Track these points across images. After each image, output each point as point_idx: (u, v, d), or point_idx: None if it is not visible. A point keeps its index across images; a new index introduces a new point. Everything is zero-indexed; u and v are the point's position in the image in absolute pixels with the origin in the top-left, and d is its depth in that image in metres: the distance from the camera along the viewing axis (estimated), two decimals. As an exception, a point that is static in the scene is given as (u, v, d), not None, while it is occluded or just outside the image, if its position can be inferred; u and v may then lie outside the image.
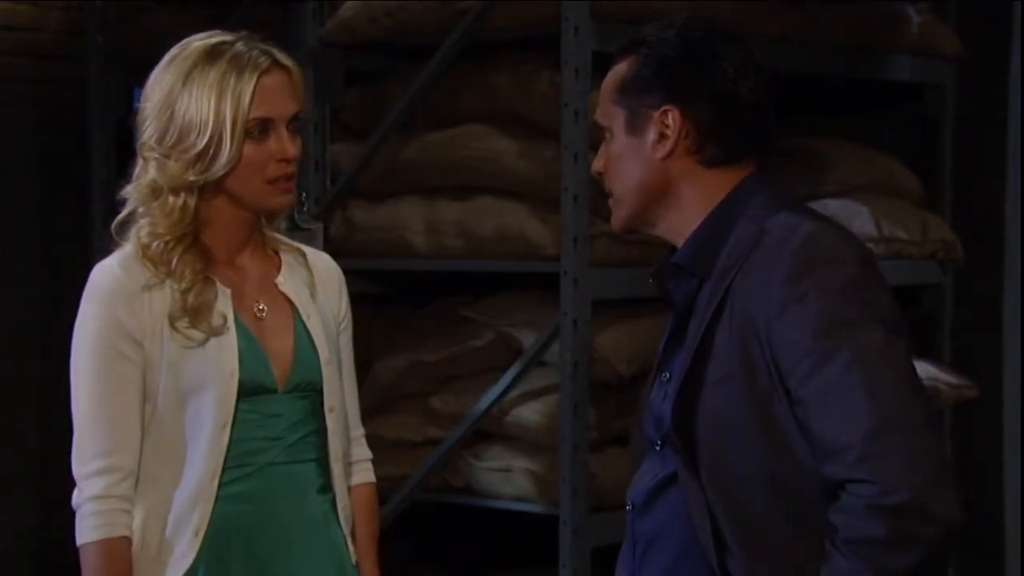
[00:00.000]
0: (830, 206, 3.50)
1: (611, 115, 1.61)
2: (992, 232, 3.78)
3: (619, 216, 1.65)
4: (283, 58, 1.74)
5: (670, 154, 1.58)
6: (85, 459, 1.71)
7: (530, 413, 3.01)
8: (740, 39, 1.61)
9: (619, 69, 1.61)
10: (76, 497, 1.73)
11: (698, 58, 1.56)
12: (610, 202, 1.65)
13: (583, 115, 2.85)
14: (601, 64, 2.92)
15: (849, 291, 1.50)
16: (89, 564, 1.71)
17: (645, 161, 1.58)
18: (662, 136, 1.57)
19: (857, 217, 3.52)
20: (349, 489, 1.83)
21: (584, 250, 2.86)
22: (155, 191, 1.72)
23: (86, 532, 1.71)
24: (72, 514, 1.75)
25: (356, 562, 1.82)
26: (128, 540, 1.70)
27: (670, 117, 1.56)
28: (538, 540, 3.12)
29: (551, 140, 2.95)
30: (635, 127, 1.59)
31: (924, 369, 3.60)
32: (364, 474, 1.89)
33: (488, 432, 3.07)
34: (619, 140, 1.61)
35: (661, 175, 1.59)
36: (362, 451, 1.90)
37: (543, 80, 2.99)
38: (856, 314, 1.49)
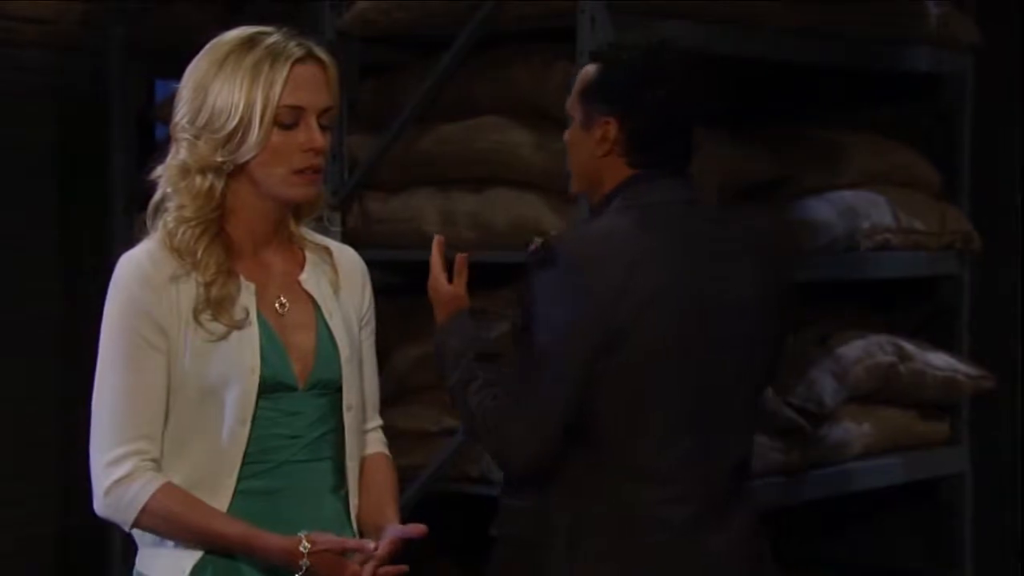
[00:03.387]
0: (847, 197, 3.50)
1: (574, 109, 2.02)
2: (1010, 223, 3.77)
3: (572, 186, 2.10)
4: (319, 51, 1.75)
5: (606, 154, 1.98)
6: (109, 446, 1.68)
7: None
8: (692, 66, 2.00)
9: (588, 71, 2.01)
10: (99, 485, 1.69)
11: (644, 82, 1.95)
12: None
13: (599, 107, 2.85)
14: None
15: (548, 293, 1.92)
16: (159, 518, 1.67)
17: (588, 153, 1.99)
18: (603, 138, 1.97)
19: (874, 208, 3.52)
20: (361, 471, 1.82)
21: (600, 241, 2.86)
22: (184, 171, 1.72)
23: (132, 503, 1.67)
24: (90, 504, 1.73)
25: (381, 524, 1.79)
26: (174, 485, 1.68)
27: (610, 127, 1.97)
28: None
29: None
30: (587, 125, 1.99)
31: (943, 359, 3.60)
32: (380, 447, 1.88)
33: (504, 423, 3.07)
34: (575, 130, 2.02)
35: (597, 167, 1.99)
36: (377, 442, 1.90)
37: (558, 72, 2.99)
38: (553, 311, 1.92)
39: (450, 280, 2.04)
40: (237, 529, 1.68)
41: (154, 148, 1.76)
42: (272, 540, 1.68)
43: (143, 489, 1.67)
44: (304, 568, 1.66)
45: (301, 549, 1.66)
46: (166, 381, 1.69)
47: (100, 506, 1.71)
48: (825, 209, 3.43)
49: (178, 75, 1.77)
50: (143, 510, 1.68)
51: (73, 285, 3.93)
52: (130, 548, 1.79)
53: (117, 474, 1.68)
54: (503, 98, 3.09)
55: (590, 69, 2.01)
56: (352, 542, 1.71)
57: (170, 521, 1.68)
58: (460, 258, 2.04)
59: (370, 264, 1.91)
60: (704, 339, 1.91)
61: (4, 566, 3.88)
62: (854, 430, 3.46)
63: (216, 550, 1.70)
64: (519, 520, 1.96)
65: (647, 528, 1.88)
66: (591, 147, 1.98)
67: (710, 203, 2.16)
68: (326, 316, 1.78)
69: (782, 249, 2.06)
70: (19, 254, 3.95)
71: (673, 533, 1.88)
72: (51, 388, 3.99)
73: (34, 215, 3.98)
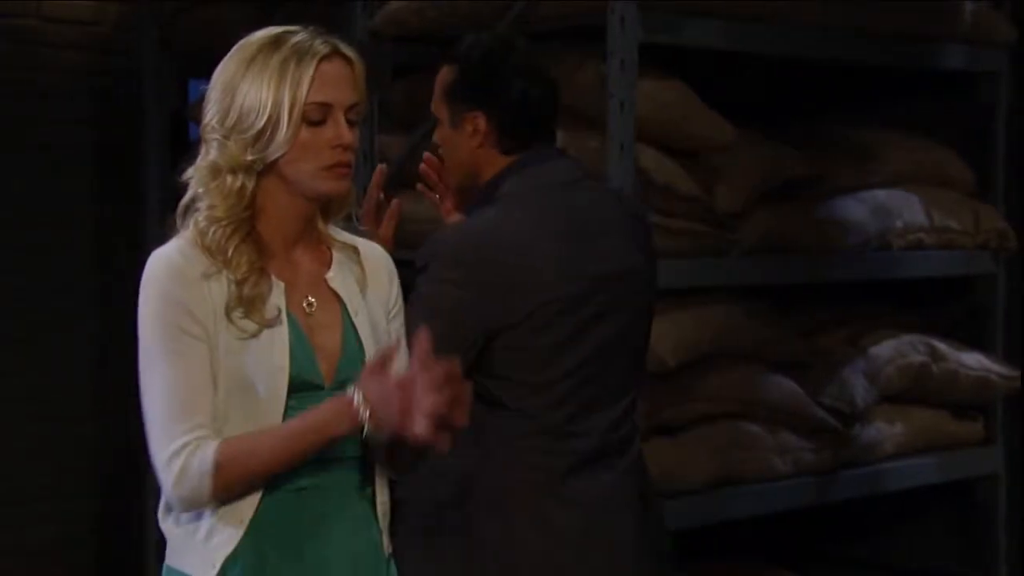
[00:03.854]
0: (880, 196, 3.48)
1: (440, 110, 2.17)
2: (1045, 221, 3.74)
3: (451, 182, 2.22)
4: (345, 49, 1.75)
5: (480, 145, 2.14)
6: (167, 441, 1.67)
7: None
8: (530, 54, 2.18)
9: (444, 74, 2.17)
10: (167, 481, 1.67)
11: (502, 73, 2.13)
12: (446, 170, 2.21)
13: (629, 106, 2.85)
14: (647, 55, 2.94)
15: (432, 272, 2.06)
16: (233, 466, 1.67)
17: (463, 148, 2.15)
18: (474, 131, 2.14)
19: (908, 207, 3.50)
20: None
21: (630, 241, 2.86)
22: (214, 172, 1.73)
23: (201, 473, 1.66)
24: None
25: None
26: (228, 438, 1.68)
27: (479, 120, 2.13)
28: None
29: (596, 131, 2.95)
30: (456, 123, 2.15)
31: (975, 359, 3.57)
32: None
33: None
34: (445, 130, 2.17)
35: (473, 160, 2.15)
36: None
37: (589, 71, 2.99)
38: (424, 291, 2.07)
39: None
40: (298, 424, 1.67)
41: (188, 148, 1.78)
42: (326, 409, 1.67)
43: (204, 455, 1.66)
44: (366, 417, 1.64)
45: (354, 399, 1.64)
46: (211, 368, 1.69)
47: (174, 498, 1.69)
48: (858, 208, 3.42)
49: (211, 76, 1.78)
50: (215, 470, 1.66)
51: (108, 284, 3.97)
52: (164, 543, 1.80)
53: (179, 463, 1.67)
54: (533, 98, 3.09)
55: (447, 70, 2.17)
56: (385, 349, 1.69)
57: (243, 463, 1.67)
58: (395, 203, 2.21)
59: (400, 264, 1.92)
60: (593, 308, 2.11)
61: (43, 560, 3.93)
62: (886, 430, 3.44)
63: (297, 463, 1.67)
64: (428, 481, 2.06)
65: (548, 473, 2.10)
66: (465, 142, 2.14)
67: (597, 182, 2.35)
68: (352, 315, 1.78)
69: (648, 224, 2.30)
70: (55, 254, 3.99)
71: (570, 475, 2.10)
72: (87, 386, 4.04)
73: (70, 214, 4.02)
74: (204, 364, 1.69)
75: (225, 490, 1.69)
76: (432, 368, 1.62)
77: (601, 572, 2.13)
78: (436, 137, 2.19)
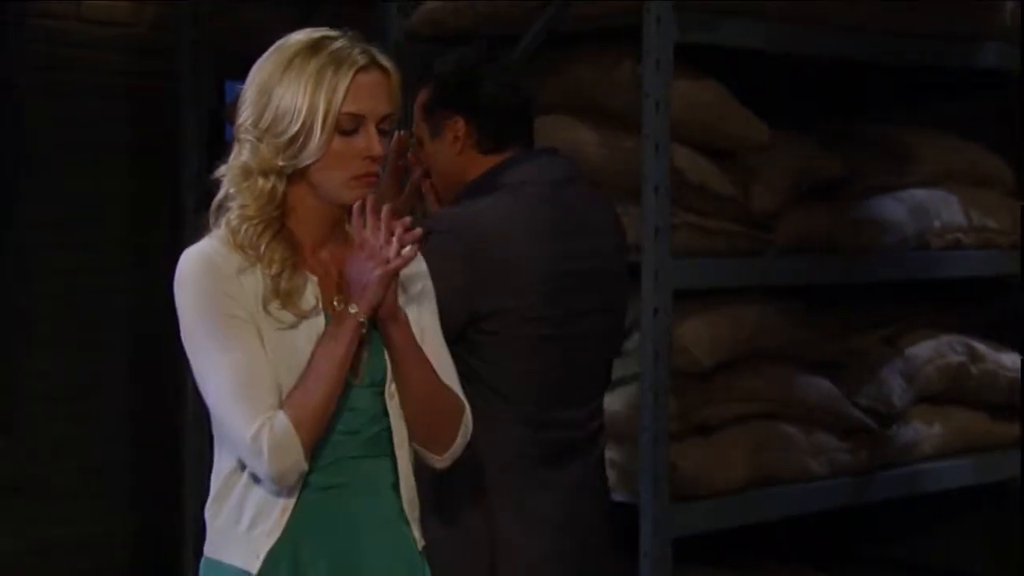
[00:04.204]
0: (918, 196, 3.46)
1: (420, 130, 2.27)
2: (1085, 221, 3.69)
3: (444, 195, 2.28)
4: (383, 59, 1.76)
5: (461, 150, 2.23)
6: (245, 427, 1.68)
7: (611, 403, 3.01)
8: (501, 58, 2.30)
9: (421, 96, 2.27)
10: (259, 463, 1.68)
11: (471, 81, 2.23)
12: (428, 185, 2.29)
13: (664, 106, 2.85)
14: (683, 55, 2.94)
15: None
16: (306, 420, 1.69)
17: (446, 156, 2.24)
18: (455, 137, 2.23)
19: (946, 207, 3.47)
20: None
21: (665, 241, 2.86)
22: (246, 173, 1.75)
23: (285, 437, 1.67)
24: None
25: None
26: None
27: (458, 124, 2.23)
28: (618, 529, 3.13)
29: (632, 131, 2.95)
30: (436, 133, 2.25)
31: (1014, 360, 3.54)
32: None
33: (569, 421, 3.09)
34: (428, 146, 2.26)
35: (458, 165, 2.24)
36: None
37: (625, 71, 2.99)
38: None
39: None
40: (318, 354, 1.71)
41: (224, 148, 1.80)
42: (333, 332, 1.72)
43: (280, 424, 1.68)
44: (362, 321, 1.71)
45: (348, 310, 1.71)
46: (263, 349, 1.70)
47: (273, 474, 1.69)
48: (895, 208, 3.40)
49: (247, 76, 1.78)
50: (296, 428, 1.68)
51: (146, 282, 4.00)
52: (200, 537, 1.81)
53: (264, 442, 1.68)
54: (568, 97, 3.10)
55: (423, 92, 2.27)
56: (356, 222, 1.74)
57: (309, 410, 1.69)
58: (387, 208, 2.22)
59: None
60: (571, 306, 2.20)
61: (82, 557, 3.97)
62: (924, 431, 3.42)
63: (340, 383, 1.71)
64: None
65: (525, 460, 2.19)
66: (447, 149, 2.23)
67: (587, 182, 2.42)
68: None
69: (621, 226, 2.39)
70: (94, 253, 4.03)
71: (544, 464, 2.21)
72: (125, 383, 4.08)
73: (109, 213, 4.06)
74: (256, 343, 1.71)
75: (312, 440, 1.70)
76: (377, 216, 1.72)
77: (576, 556, 2.23)
78: (422, 156, 2.27)
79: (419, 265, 1.85)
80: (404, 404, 1.78)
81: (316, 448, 1.73)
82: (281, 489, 1.72)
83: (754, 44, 3.08)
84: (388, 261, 1.71)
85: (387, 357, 1.78)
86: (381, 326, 1.75)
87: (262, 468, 1.69)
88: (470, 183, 2.23)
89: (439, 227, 2.14)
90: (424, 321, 1.83)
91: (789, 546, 3.64)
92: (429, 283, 1.86)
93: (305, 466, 1.70)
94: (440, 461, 1.83)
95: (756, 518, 3.14)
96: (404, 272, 1.78)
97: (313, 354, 1.71)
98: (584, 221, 2.26)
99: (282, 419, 1.68)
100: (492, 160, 2.23)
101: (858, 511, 3.42)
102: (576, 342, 2.23)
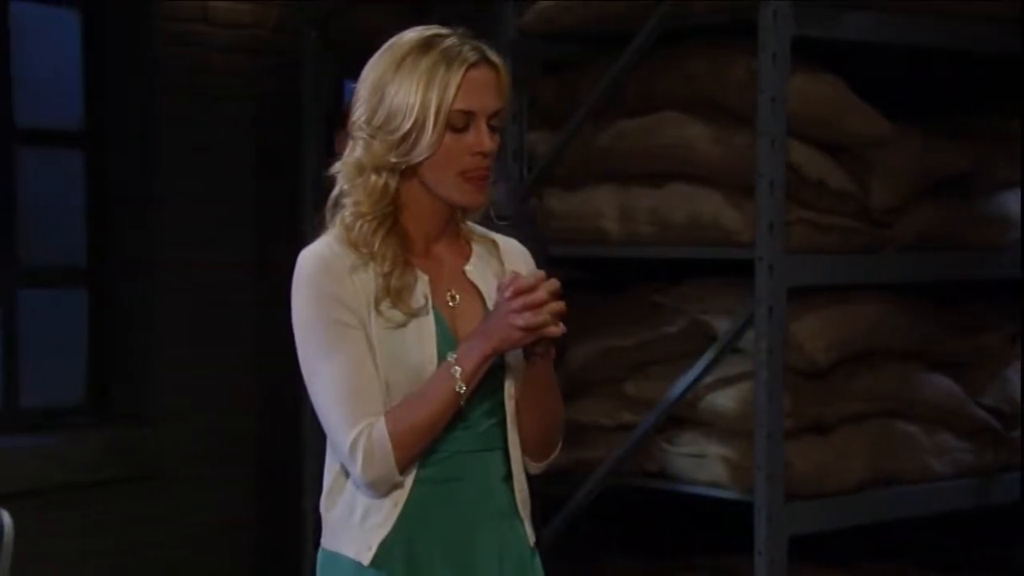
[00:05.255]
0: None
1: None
2: None
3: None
4: (492, 56, 1.78)
5: None
6: (345, 434, 1.71)
7: (724, 399, 3.00)
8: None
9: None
10: (355, 470, 1.71)
11: None
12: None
13: (780, 101, 2.82)
14: (799, 50, 2.90)
15: None
16: (406, 437, 1.72)
17: None
18: None
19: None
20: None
21: (779, 237, 2.83)
22: (360, 169, 1.77)
23: (382, 451, 1.70)
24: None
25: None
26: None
27: None
28: (732, 527, 3.11)
29: (745, 127, 2.93)
30: None
31: None
32: None
33: (682, 418, 3.08)
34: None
35: None
36: None
37: (739, 67, 2.97)
38: None
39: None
40: (438, 377, 1.72)
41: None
42: (434, 375, 1.73)
43: (379, 433, 1.71)
44: (462, 390, 1.71)
45: (452, 373, 1.71)
46: (372, 355, 1.73)
47: (365, 482, 1.72)
48: (1018, 203, 3.31)
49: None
50: (393, 444, 1.71)
51: (268, 280, 4.09)
52: (320, 529, 1.84)
53: (360, 449, 1.71)
54: (682, 93, 3.09)
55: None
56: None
57: (409, 426, 1.71)
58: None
59: (549, 260, 1.93)
60: None
61: (207, 545, 4.08)
62: (1050, 432, 3.32)
63: (445, 416, 1.73)
64: None
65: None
66: None
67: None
68: (491, 307, 1.79)
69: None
70: (219, 251, 4.13)
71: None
72: (249, 378, 4.17)
73: (232, 212, 4.16)
74: (366, 352, 1.73)
75: (407, 457, 1.73)
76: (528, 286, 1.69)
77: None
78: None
79: (531, 266, 1.86)
80: (523, 417, 1.80)
81: (432, 443, 1.75)
82: (392, 488, 1.74)
83: (873, 38, 3.03)
84: (532, 329, 1.70)
85: (504, 355, 1.78)
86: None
87: (356, 473, 1.73)
88: None
89: None
90: None
91: (907, 549, 3.57)
92: None
93: (398, 479, 1.73)
94: (536, 468, 1.85)
95: (874, 518, 3.09)
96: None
97: (432, 378, 1.72)
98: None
99: (380, 430, 1.71)
100: None
101: (979, 513, 3.33)
102: None
